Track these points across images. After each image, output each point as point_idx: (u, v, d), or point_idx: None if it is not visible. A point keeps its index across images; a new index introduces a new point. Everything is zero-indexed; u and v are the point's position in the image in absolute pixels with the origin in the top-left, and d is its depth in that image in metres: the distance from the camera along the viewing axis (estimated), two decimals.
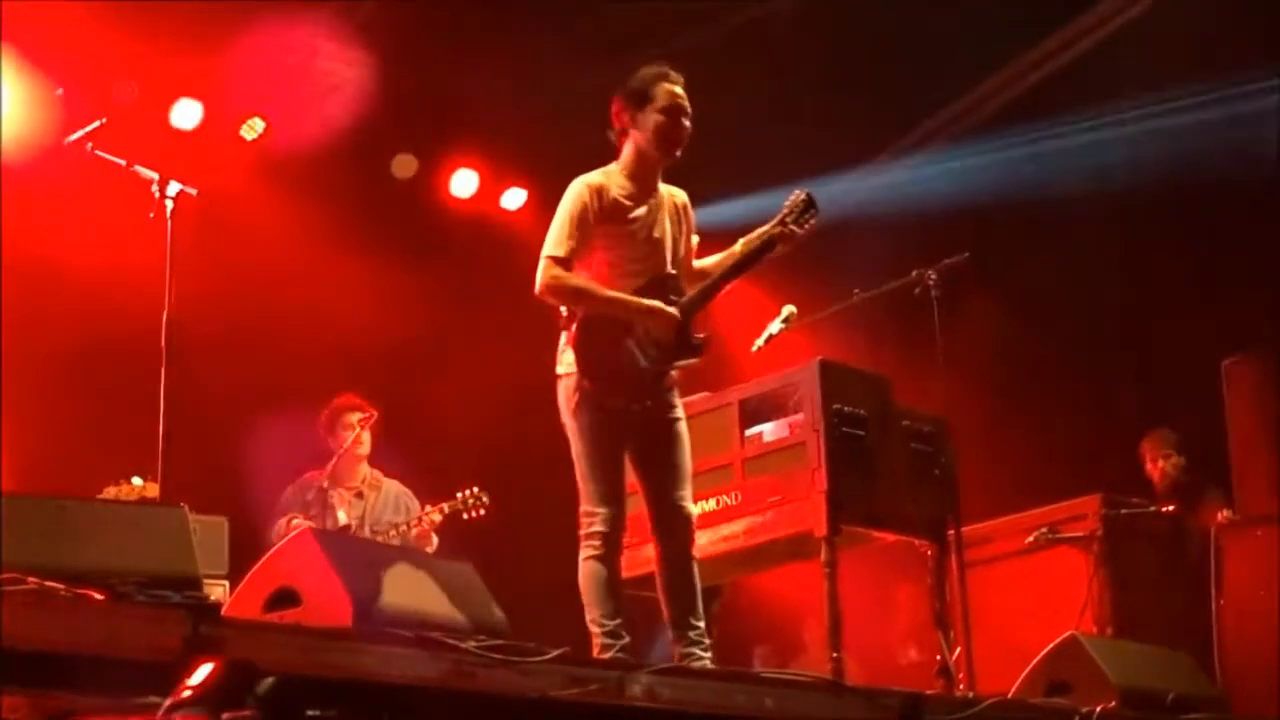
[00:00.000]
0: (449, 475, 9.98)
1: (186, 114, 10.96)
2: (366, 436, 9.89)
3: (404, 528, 9.68)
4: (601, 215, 6.98)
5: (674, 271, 7.11)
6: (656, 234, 7.09)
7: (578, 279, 6.95)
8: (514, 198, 12.49)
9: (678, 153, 7.07)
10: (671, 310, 6.97)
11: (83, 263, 9.85)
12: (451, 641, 5.31)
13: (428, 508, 9.76)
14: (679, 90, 7.07)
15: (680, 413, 7.11)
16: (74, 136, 7.75)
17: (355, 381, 10.40)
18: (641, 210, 7.07)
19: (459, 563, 6.07)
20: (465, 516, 9.74)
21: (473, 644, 5.35)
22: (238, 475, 10.05)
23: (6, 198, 9.64)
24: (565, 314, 7.00)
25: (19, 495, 5.75)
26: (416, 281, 11.49)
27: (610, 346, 6.95)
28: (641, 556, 7.52)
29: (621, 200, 7.03)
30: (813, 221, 7.23)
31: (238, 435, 10.32)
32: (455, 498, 9.74)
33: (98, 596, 4.75)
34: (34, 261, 9.82)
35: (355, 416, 9.84)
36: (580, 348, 6.94)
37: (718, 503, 7.78)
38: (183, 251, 7.46)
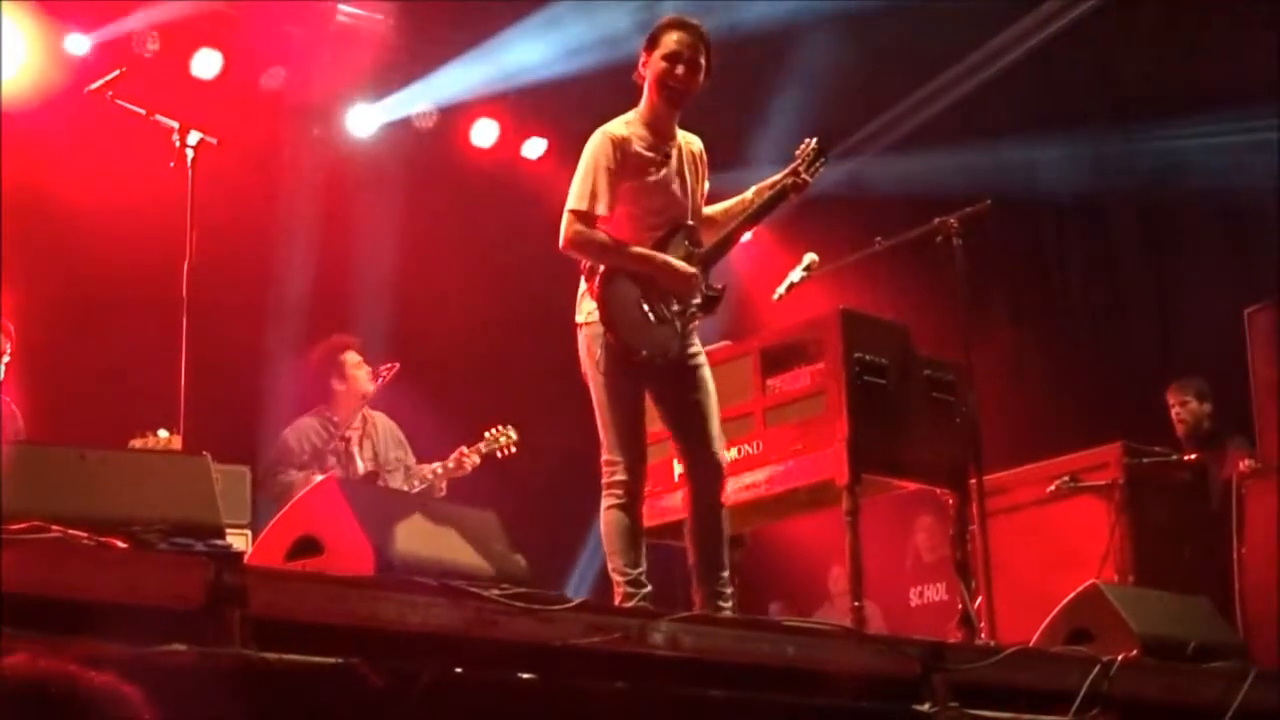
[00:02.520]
0: (474, 423, 9.94)
1: (207, 63, 10.97)
2: (366, 375, 9.72)
3: (422, 470, 9.62)
4: (623, 167, 6.94)
5: (692, 223, 7.09)
6: (675, 185, 7.06)
7: (601, 234, 6.91)
8: (534, 147, 12.48)
9: (680, 101, 7.01)
10: (692, 270, 6.96)
11: (104, 211, 9.85)
12: (474, 590, 5.33)
13: (463, 448, 9.68)
14: (686, 38, 6.97)
15: (702, 358, 7.08)
16: (94, 85, 7.74)
17: (374, 327, 10.40)
18: (661, 160, 7.03)
19: (481, 510, 6.08)
20: (499, 455, 9.69)
21: (495, 592, 5.36)
22: (260, 424, 10.05)
23: (27, 146, 9.64)
24: (588, 265, 6.98)
25: (41, 444, 5.79)
26: (436, 230, 11.49)
27: (632, 299, 6.92)
28: (667, 505, 7.56)
29: (642, 152, 6.99)
30: (823, 168, 7.22)
31: (259, 384, 10.33)
32: (485, 437, 9.69)
33: (120, 545, 4.77)
34: (55, 210, 9.84)
35: (354, 356, 9.70)
36: (604, 300, 6.91)
37: (739, 452, 7.77)
38: (203, 200, 7.45)
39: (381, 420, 9.79)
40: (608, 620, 5.65)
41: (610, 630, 5.57)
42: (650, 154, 7.00)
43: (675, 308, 6.95)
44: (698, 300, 7.00)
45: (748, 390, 7.87)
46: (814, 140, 7.24)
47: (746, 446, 7.80)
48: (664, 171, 7.02)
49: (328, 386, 9.61)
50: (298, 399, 9.84)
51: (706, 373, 7.08)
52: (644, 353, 6.89)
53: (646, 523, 7.08)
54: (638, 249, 6.95)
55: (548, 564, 6.25)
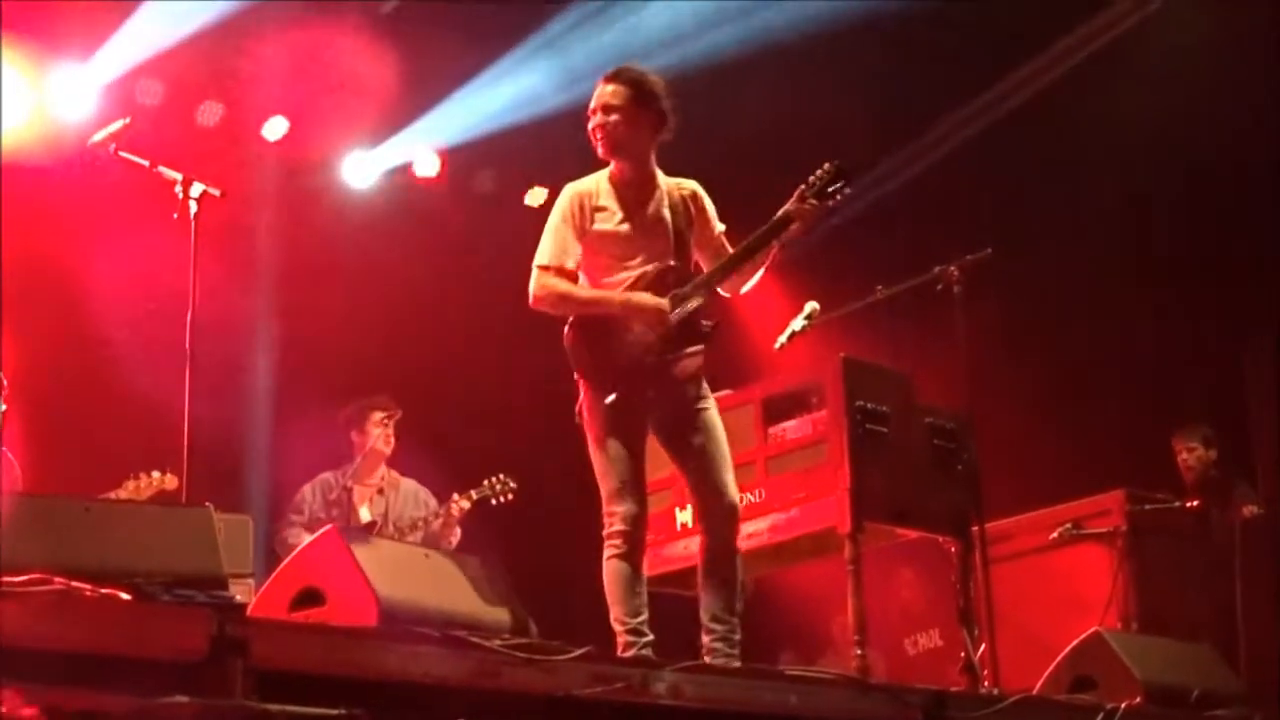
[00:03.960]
0: (475, 472, 9.97)
1: (209, 114, 11.01)
2: (390, 435, 9.89)
3: (429, 519, 9.69)
4: (586, 219, 6.99)
5: (673, 263, 7.04)
6: (652, 230, 7.05)
7: (562, 284, 6.95)
8: (536, 195, 12.50)
9: (609, 150, 7.04)
10: (658, 302, 6.90)
11: (106, 262, 9.87)
12: (476, 640, 5.33)
13: (456, 495, 9.76)
14: (603, 88, 7.04)
15: (708, 402, 7.03)
16: (98, 137, 7.76)
17: (376, 378, 10.43)
18: (633, 208, 7.04)
19: (484, 561, 6.08)
20: (494, 502, 9.75)
21: (497, 642, 5.36)
22: (263, 474, 10.07)
23: (31, 199, 9.67)
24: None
25: (44, 496, 5.78)
26: (438, 278, 11.51)
27: (602, 344, 6.92)
28: (669, 554, 7.57)
29: (609, 203, 7.03)
30: (843, 194, 7.08)
31: (263, 434, 10.34)
32: (482, 484, 9.75)
33: (124, 596, 4.77)
34: (57, 260, 9.86)
35: (379, 415, 9.84)
36: (573, 349, 6.97)
37: (744, 501, 7.77)
38: (207, 251, 7.46)
39: (406, 482, 9.92)
40: (610, 670, 5.65)
41: (613, 680, 5.56)
42: (613, 203, 7.02)
43: (654, 344, 6.91)
44: (682, 331, 6.93)
45: (750, 438, 7.87)
46: (832, 163, 7.09)
47: (749, 495, 7.79)
48: (636, 219, 7.03)
49: (349, 441, 9.77)
50: (325, 453, 9.92)
51: (712, 416, 7.03)
52: (612, 397, 6.86)
53: (649, 571, 7.06)
54: (594, 292, 6.99)
55: (555, 614, 6.23)
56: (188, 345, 7.29)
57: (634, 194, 7.07)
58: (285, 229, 10.92)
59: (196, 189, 7.48)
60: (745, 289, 7.20)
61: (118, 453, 9.27)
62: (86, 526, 5.14)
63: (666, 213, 7.08)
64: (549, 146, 11.79)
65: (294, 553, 6.05)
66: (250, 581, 8.55)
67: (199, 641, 4.71)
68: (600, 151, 7.07)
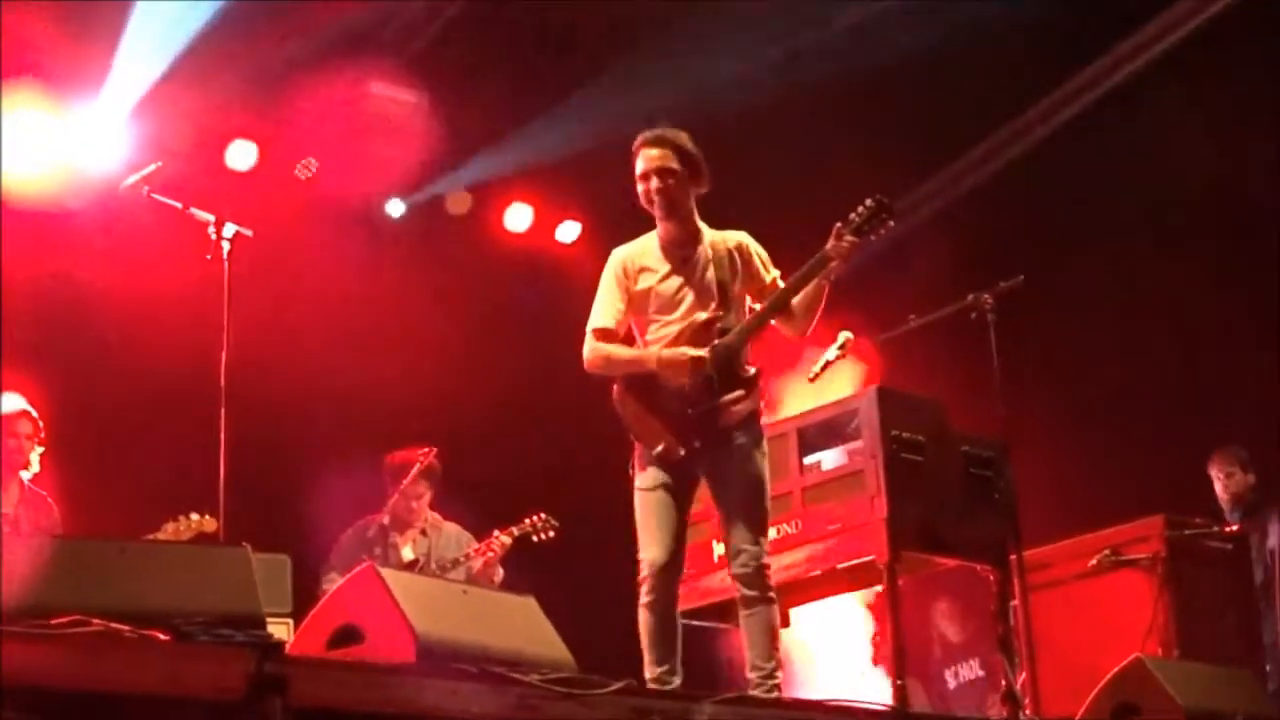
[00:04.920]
0: (516, 512, 9.97)
1: (241, 155, 11.05)
2: (427, 484, 9.90)
3: (469, 557, 9.69)
4: (630, 280, 7.22)
5: (718, 314, 7.12)
6: (696, 284, 7.17)
7: (605, 347, 7.19)
8: (568, 230, 12.52)
9: (668, 213, 7.19)
10: (696, 353, 7.01)
11: (141, 304, 9.90)
12: (515, 675, 5.32)
13: (496, 532, 9.76)
14: (652, 153, 7.18)
15: (755, 450, 7.10)
16: (131, 180, 7.80)
17: (415, 416, 10.44)
18: (677, 265, 7.21)
19: (521, 596, 6.07)
20: (535, 539, 9.76)
21: (536, 677, 5.35)
22: (299, 514, 10.07)
23: (67, 241, 9.73)
24: None
25: (81, 538, 5.80)
26: (472, 317, 11.52)
27: (646, 399, 7.10)
28: (706, 587, 7.58)
29: (649, 264, 7.23)
30: (886, 226, 7.16)
31: (299, 473, 10.35)
32: (523, 522, 9.76)
33: (162, 637, 4.78)
34: (92, 302, 9.90)
35: (419, 464, 9.86)
36: (621, 406, 7.16)
37: (778, 531, 7.76)
38: (240, 292, 7.49)
39: (449, 526, 9.92)
40: (649, 703, 5.65)
41: (652, 713, 5.56)
42: (657, 264, 7.21)
43: (692, 396, 7.01)
44: (724, 380, 7.00)
45: (786, 469, 7.86)
46: (873, 198, 7.17)
47: (786, 526, 7.79)
48: (679, 275, 7.17)
49: (389, 485, 9.78)
50: (364, 492, 9.94)
51: (751, 467, 7.09)
52: (658, 449, 7.02)
53: (687, 604, 7.09)
54: (631, 352, 7.20)
55: (594, 649, 6.23)
56: (223, 385, 7.32)
57: (678, 251, 7.24)
58: (318, 269, 10.94)
59: (229, 230, 7.51)
60: (809, 329, 7.28)
61: (155, 495, 9.29)
62: (124, 567, 5.14)
63: (710, 266, 7.20)
64: (582, 181, 11.85)
65: (330, 591, 6.06)
66: (289, 621, 8.55)
67: (238, 681, 4.72)
68: (660, 215, 7.22)
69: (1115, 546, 8.76)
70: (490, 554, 9.71)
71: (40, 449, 9.01)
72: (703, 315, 7.12)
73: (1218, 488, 10.60)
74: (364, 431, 10.41)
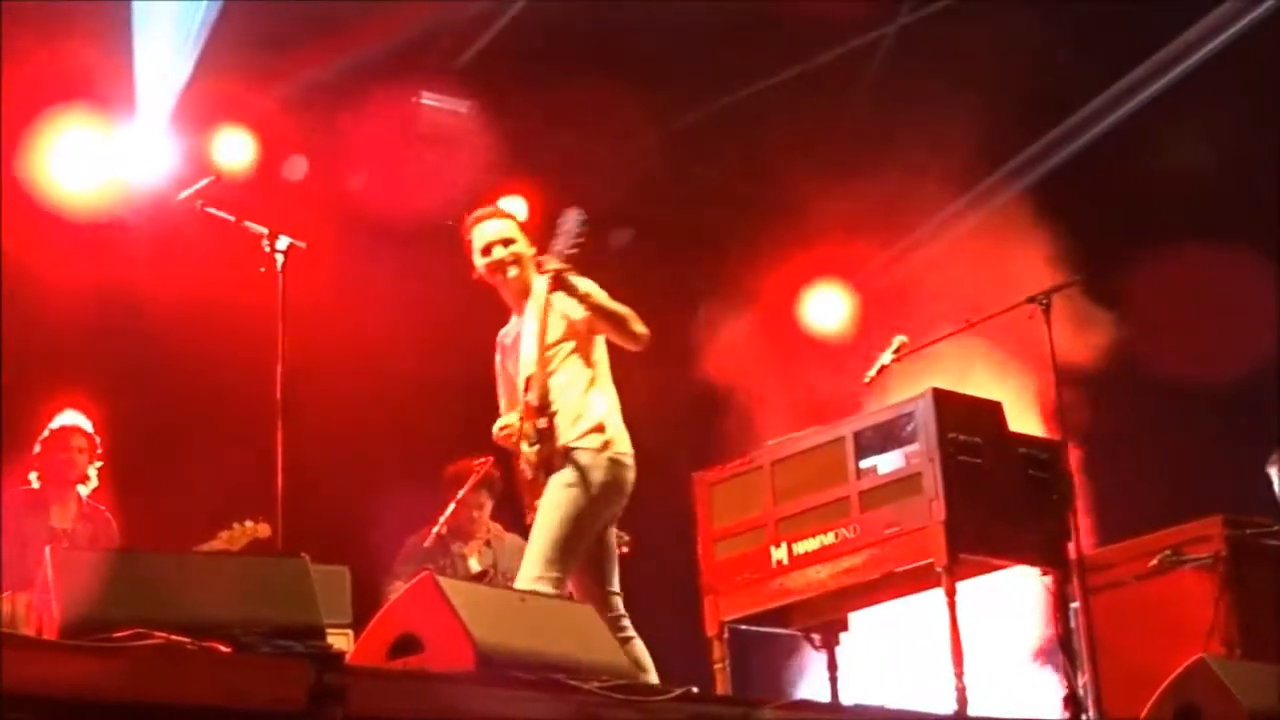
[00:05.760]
0: None
1: (294, 167, 11.09)
2: (487, 494, 9.91)
3: None
4: (502, 358, 7.48)
5: (528, 373, 7.20)
6: (523, 351, 7.28)
7: None
8: (617, 238, 12.50)
9: (508, 284, 7.42)
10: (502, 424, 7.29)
11: (196, 317, 9.94)
12: (574, 683, 5.32)
13: None
14: (477, 233, 7.48)
15: (551, 486, 7.12)
16: (185, 194, 7.83)
17: (470, 424, 10.44)
18: (511, 338, 7.41)
19: (581, 605, 6.07)
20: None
21: (595, 685, 5.35)
22: (359, 525, 10.09)
23: (122, 255, 9.77)
24: None
25: (140, 551, 5.82)
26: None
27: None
28: (767, 591, 7.56)
29: (504, 337, 7.49)
30: (582, 241, 7.25)
31: (358, 485, 10.37)
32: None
33: (223, 649, 4.79)
34: (147, 315, 9.94)
35: (479, 474, 9.87)
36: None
37: (836, 536, 7.74)
38: (295, 303, 7.51)
39: (511, 537, 9.92)
40: (710, 709, 5.64)
41: (710, 719, 5.54)
42: (505, 333, 7.49)
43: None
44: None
45: (843, 474, 7.83)
46: (575, 215, 7.29)
47: (844, 530, 7.76)
48: (514, 340, 7.40)
49: (450, 495, 9.79)
50: (425, 502, 9.97)
51: (546, 496, 7.13)
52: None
53: (744, 610, 7.08)
54: None
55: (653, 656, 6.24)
56: (279, 396, 7.33)
57: (517, 318, 7.49)
58: (371, 280, 10.96)
59: (283, 242, 7.53)
60: (628, 339, 7.26)
61: (213, 508, 9.32)
62: (183, 580, 5.16)
63: (527, 323, 7.35)
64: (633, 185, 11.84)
65: (389, 601, 6.07)
66: (349, 631, 8.57)
67: (298, 691, 4.72)
68: (499, 286, 7.48)
69: (1175, 547, 8.70)
70: None
71: (98, 463, 9.06)
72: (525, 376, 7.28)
73: (1276, 487, 10.53)
74: (422, 442, 10.42)
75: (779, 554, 7.65)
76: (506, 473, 9.90)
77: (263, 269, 7.54)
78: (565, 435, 7.09)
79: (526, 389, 7.16)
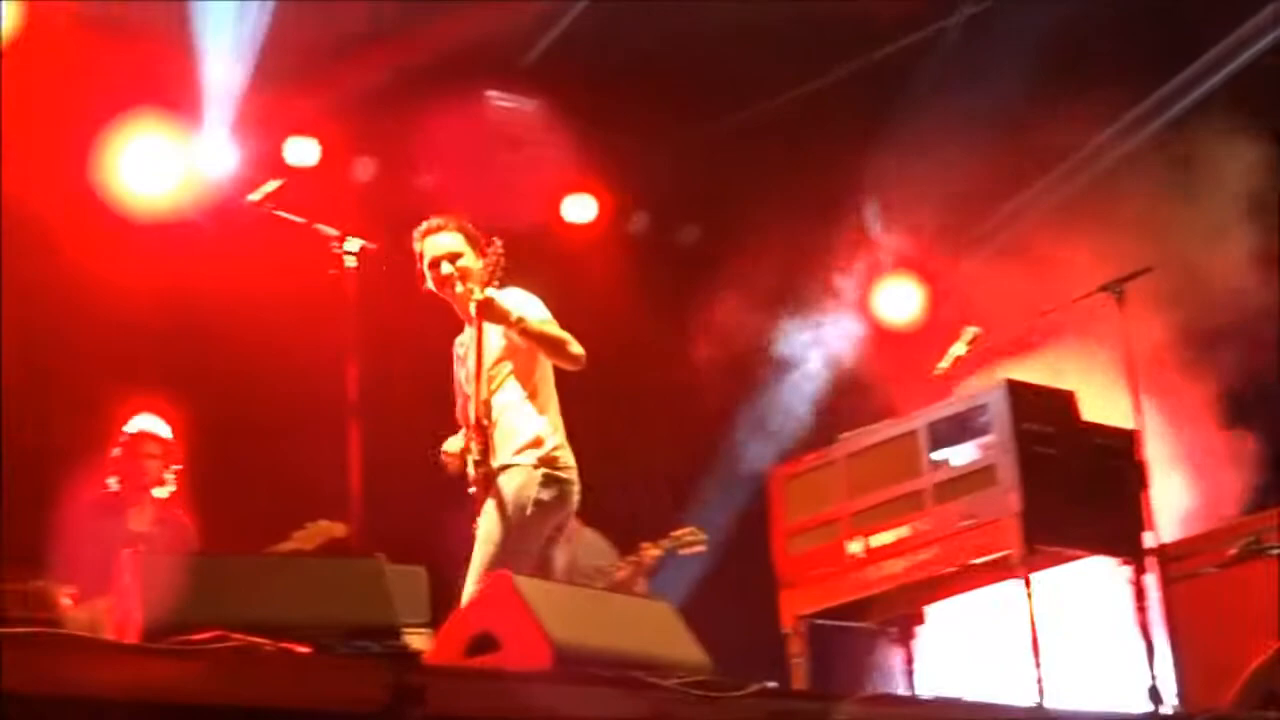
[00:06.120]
0: (647, 519, 9.96)
1: (362, 169, 11.13)
2: None
3: (614, 567, 9.68)
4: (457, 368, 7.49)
5: (474, 395, 7.22)
6: (468, 366, 7.30)
7: None
8: (688, 234, 12.49)
9: (455, 298, 7.41)
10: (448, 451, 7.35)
11: (269, 319, 9.98)
12: (652, 680, 5.31)
13: (645, 545, 9.74)
14: (426, 245, 7.50)
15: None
16: (255, 196, 7.85)
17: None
18: (463, 349, 7.45)
19: (657, 601, 6.07)
20: (681, 554, 9.73)
21: (673, 681, 5.34)
22: (437, 523, 10.09)
23: (195, 258, 9.83)
24: None
25: (219, 554, 5.86)
26: (596, 326, 11.51)
27: None
28: (840, 586, 7.54)
29: (458, 347, 7.52)
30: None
31: (434, 483, 10.38)
32: (673, 535, 9.72)
33: (301, 650, 4.81)
34: (220, 318, 9.99)
35: None
36: None
37: (911, 529, 7.72)
38: (367, 303, 7.52)
39: (587, 532, 9.90)
40: (787, 705, 5.63)
41: (790, 715, 5.54)
42: (457, 349, 7.54)
43: None
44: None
45: (915, 466, 7.81)
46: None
47: (918, 523, 7.74)
48: (463, 358, 7.46)
49: None
50: None
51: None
52: None
53: (821, 604, 7.06)
54: None
55: (730, 652, 6.22)
56: (352, 398, 7.35)
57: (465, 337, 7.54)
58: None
59: (354, 244, 7.55)
60: (564, 360, 7.38)
61: (289, 510, 9.34)
62: (261, 582, 5.20)
63: (471, 351, 7.39)
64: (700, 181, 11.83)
65: (464, 600, 6.08)
66: (426, 631, 8.58)
67: (377, 691, 4.74)
68: (450, 300, 7.49)
69: (1256, 533, 8.63)
70: (637, 566, 9.67)
71: (175, 467, 9.11)
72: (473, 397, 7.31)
73: None
74: None
75: (855, 548, 7.64)
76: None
77: (333, 271, 7.55)
78: (502, 452, 7.15)
79: (466, 408, 7.26)
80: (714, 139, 11.59)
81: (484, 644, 5.57)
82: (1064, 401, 7.89)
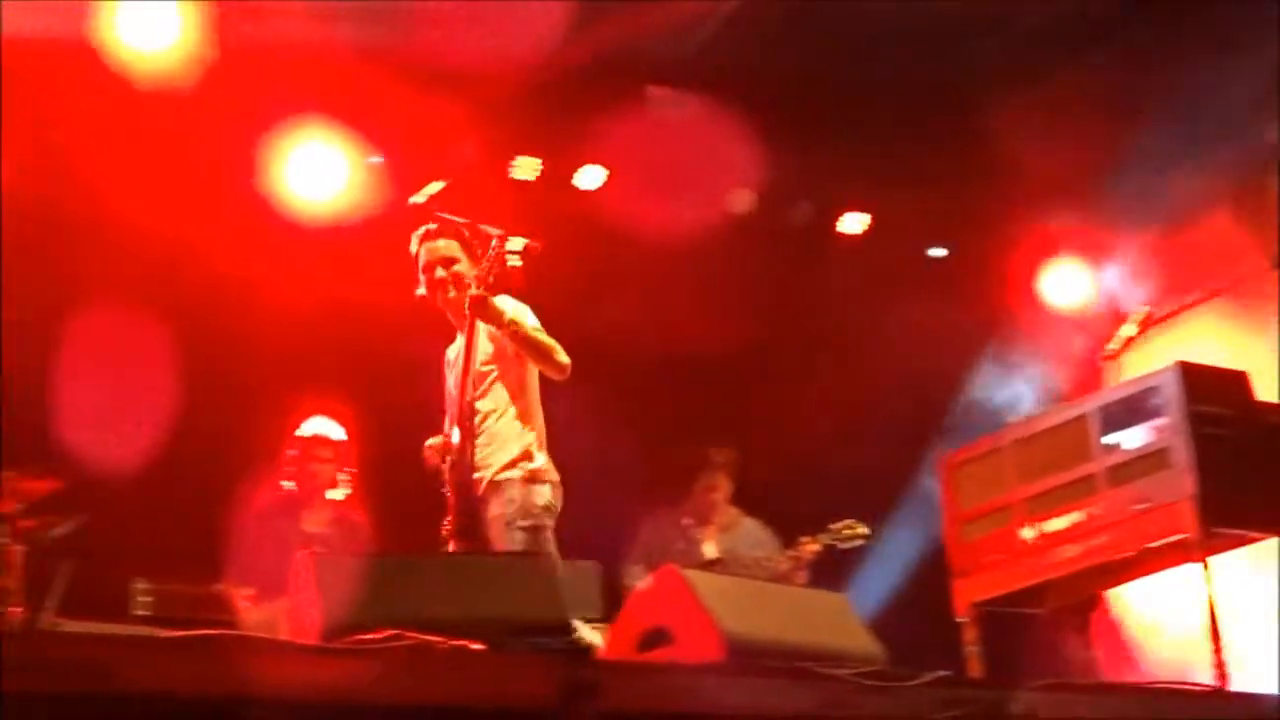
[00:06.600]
0: (813, 510, 9.92)
1: (526, 167, 11.18)
2: (725, 479, 9.91)
3: (773, 558, 9.66)
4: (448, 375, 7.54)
5: (459, 397, 7.27)
6: (458, 370, 7.33)
7: None
8: (854, 222, 12.41)
9: (448, 304, 7.46)
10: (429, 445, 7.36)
11: (440, 319, 10.06)
12: (824, 670, 5.31)
13: (804, 539, 9.71)
14: (423, 250, 7.51)
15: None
16: (418, 198, 7.91)
17: (703, 409, 10.47)
18: (454, 355, 7.46)
19: (831, 593, 6.06)
20: (841, 548, 9.68)
21: (846, 672, 5.33)
22: (609, 517, 10.14)
23: (363, 261, 9.93)
24: None
25: (392, 554, 5.92)
26: (768, 313, 11.50)
27: None
28: (1015, 571, 7.49)
29: (449, 354, 7.54)
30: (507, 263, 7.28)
31: (605, 479, 10.43)
32: (831, 529, 9.68)
33: (475, 647, 4.85)
34: (386, 322, 10.09)
35: (718, 461, 9.88)
36: None
37: (1085, 514, 7.64)
38: (530, 301, 7.56)
39: (747, 521, 9.90)
40: (964, 693, 5.59)
41: (966, 703, 5.50)
42: (449, 353, 7.58)
43: None
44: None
45: (1087, 451, 7.74)
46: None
47: (1091, 508, 7.67)
48: (453, 362, 7.49)
49: (687, 481, 9.81)
50: (660, 492, 10.02)
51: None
52: None
53: (994, 591, 7.02)
54: None
55: (903, 642, 6.20)
56: None
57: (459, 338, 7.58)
58: (606, 273, 11.01)
59: (516, 243, 7.58)
60: (550, 370, 7.40)
61: None
62: (436, 581, 5.25)
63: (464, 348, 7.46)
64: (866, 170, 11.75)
65: (634, 594, 6.10)
66: (600, 625, 8.61)
67: (551, 688, 4.77)
68: (442, 305, 7.57)
69: None
70: (797, 560, 9.64)
71: (349, 469, 9.22)
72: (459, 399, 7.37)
73: None
74: (662, 429, 10.46)
75: (1028, 534, 7.58)
76: (743, 457, 9.96)
77: (496, 270, 7.60)
78: (492, 465, 7.19)
79: (452, 413, 7.29)
80: (882, 124, 11.52)
81: (656, 638, 5.59)
82: (1237, 382, 7.78)
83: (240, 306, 9.88)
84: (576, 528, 9.19)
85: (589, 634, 5.76)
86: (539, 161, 11.20)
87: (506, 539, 7.01)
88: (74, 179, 9.57)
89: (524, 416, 7.30)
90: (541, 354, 7.27)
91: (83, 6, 9.42)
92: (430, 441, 7.37)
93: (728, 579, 8.34)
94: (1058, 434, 7.58)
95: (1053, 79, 10.80)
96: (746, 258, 11.80)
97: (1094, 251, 12.25)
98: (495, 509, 7.12)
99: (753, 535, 9.89)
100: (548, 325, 7.49)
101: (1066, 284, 12.32)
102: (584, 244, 10.48)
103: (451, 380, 7.45)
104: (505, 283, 7.25)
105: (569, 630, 5.15)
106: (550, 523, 7.18)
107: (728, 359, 11.19)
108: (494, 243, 7.27)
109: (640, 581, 8.70)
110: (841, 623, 5.83)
